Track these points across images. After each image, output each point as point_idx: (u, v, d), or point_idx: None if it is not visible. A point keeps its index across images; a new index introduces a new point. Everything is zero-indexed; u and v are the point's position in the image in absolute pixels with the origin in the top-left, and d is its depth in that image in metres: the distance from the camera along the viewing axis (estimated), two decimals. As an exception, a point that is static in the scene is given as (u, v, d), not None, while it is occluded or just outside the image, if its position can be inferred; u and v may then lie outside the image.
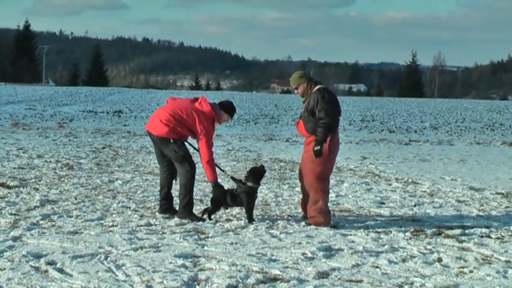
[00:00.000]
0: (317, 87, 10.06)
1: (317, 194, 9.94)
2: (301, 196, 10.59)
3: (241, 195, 10.05)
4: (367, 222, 10.31)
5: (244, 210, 10.14)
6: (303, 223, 9.98)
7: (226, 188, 10.29)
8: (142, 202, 11.38)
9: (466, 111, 52.92)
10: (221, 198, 10.13)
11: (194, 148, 10.25)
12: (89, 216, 10.00)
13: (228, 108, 10.34)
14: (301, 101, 10.33)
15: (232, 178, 10.58)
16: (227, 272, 7.29)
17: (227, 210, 10.42)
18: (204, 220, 9.94)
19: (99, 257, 7.66)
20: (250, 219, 9.96)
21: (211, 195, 10.40)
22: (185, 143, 10.20)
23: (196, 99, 10.21)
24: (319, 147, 9.79)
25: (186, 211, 10.04)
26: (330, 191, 12.01)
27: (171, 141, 9.99)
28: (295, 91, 10.36)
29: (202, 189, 12.55)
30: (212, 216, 10.09)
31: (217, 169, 10.22)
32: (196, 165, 10.28)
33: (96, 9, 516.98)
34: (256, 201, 10.31)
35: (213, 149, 10.09)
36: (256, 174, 10.22)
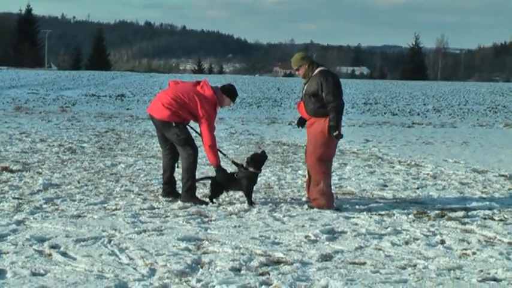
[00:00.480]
0: (319, 69, 10.01)
1: (318, 175, 9.93)
2: (306, 178, 10.58)
3: (242, 180, 10.06)
4: (370, 204, 10.31)
5: (244, 194, 10.16)
6: (305, 206, 9.98)
7: (229, 172, 10.30)
8: (145, 186, 11.38)
9: (469, 94, 52.85)
10: (225, 182, 10.14)
11: (196, 132, 10.24)
12: (92, 199, 10.01)
13: (230, 92, 10.32)
14: (303, 83, 10.31)
15: (234, 162, 10.59)
16: (230, 254, 7.30)
17: (230, 194, 10.41)
18: (207, 203, 9.95)
19: (102, 241, 7.66)
20: (251, 202, 9.98)
21: (210, 180, 10.40)
22: (187, 126, 10.19)
23: (198, 82, 10.20)
24: (336, 132, 9.76)
25: (189, 194, 10.04)
26: (333, 174, 12.03)
27: (173, 124, 9.98)
28: (296, 72, 10.29)
29: (205, 173, 12.54)
30: (215, 200, 10.11)
31: (219, 153, 10.23)
32: (199, 149, 10.28)
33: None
34: (258, 185, 10.32)
35: (215, 133, 10.09)
36: (258, 160, 10.23)
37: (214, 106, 10.07)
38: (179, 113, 9.98)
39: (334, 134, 9.78)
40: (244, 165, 10.20)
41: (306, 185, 10.57)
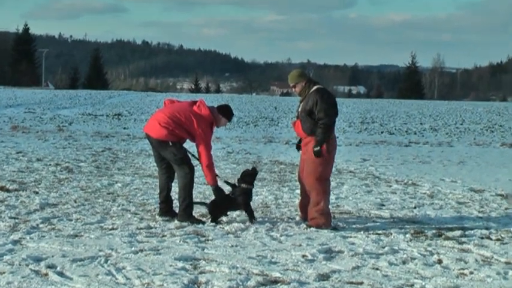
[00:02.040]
0: (315, 87, 10.04)
1: (319, 196, 9.93)
2: (300, 198, 10.59)
3: (238, 198, 10.09)
4: (367, 224, 10.31)
5: (244, 212, 10.18)
6: (303, 225, 9.98)
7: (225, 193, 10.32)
8: (142, 205, 11.37)
9: (465, 113, 52.91)
10: (223, 202, 10.16)
11: (195, 157, 10.19)
12: (88, 219, 10.00)
13: (226, 111, 10.34)
14: (299, 101, 10.32)
15: (226, 182, 10.61)
16: (227, 274, 7.29)
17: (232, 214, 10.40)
18: (204, 223, 9.94)
19: (99, 260, 7.65)
20: (252, 218, 10.05)
21: (208, 202, 10.42)
22: (187, 153, 10.19)
23: (194, 102, 10.22)
24: (319, 147, 9.80)
25: (186, 214, 10.04)
26: (330, 193, 12.02)
27: (170, 144, 10.00)
28: (293, 89, 10.33)
29: (202, 192, 12.55)
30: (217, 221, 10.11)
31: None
32: (196, 168, 10.28)
33: (95, 12, 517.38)
34: (255, 204, 10.33)
35: (212, 152, 10.10)
36: (249, 175, 10.27)
37: (210, 125, 10.10)
38: (176, 132, 9.99)
39: (316, 149, 9.79)
40: (237, 184, 10.24)
41: (299, 205, 10.58)
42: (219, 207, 10.19)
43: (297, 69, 10.51)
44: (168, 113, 10.10)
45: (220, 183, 10.38)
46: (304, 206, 10.28)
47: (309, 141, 10.01)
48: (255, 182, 10.50)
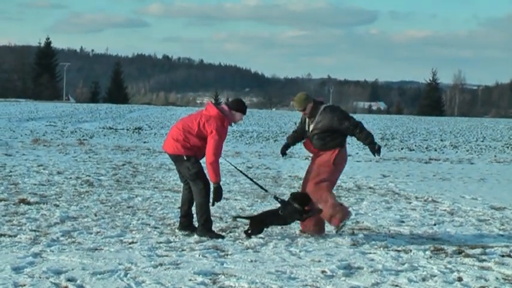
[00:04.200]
0: (323, 106, 10.47)
1: (323, 194, 10.24)
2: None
3: (288, 216, 10.23)
4: (386, 240, 10.27)
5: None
6: (321, 240, 9.99)
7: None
8: (162, 219, 11.40)
9: (486, 130, 52.71)
10: (268, 219, 10.25)
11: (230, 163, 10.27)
12: (108, 232, 10.03)
13: (238, 106, 10.32)
14: (304, 121, 10.70)
15: (276, 198, 10.68)
16: (246, 289, 7.28)
17: (247, 227, 10.39)
18: (223, 237, 9.95)
19: (118, 274, 7.67)
20: None
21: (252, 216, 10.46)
22: (202, 168, 10.15)
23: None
24: (376, 143, 10.30)
25: (205, 228, 10.05)
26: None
27: (185, 158, 10.02)
28: (302, 113, 10.61)
29: (222, 207, 12.56)
30: (231, 234, 10.10)
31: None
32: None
33: (117, 26, 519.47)
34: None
35: (221, 151, 10.03)
36: (302, 198, 10.35)
37: (222, 123, 10.03)
38: (189, 143, 9.98)
39: (376, 146, 10.26)
40: (289, 201, 10.31)
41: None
42: (263, 221, 10.19)
43: (301, 93, 10.76)
44: (179, 126, 10.17)
45: (270, 197, 10.49)
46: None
47: (319, 155, 10.44)
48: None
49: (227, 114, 10.13)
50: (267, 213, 10.40)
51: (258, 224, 10.15)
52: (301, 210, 10.20)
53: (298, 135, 10.96)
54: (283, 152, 11.16)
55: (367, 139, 10.29)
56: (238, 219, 10.58)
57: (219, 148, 9.99)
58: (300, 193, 10.54)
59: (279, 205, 10.34)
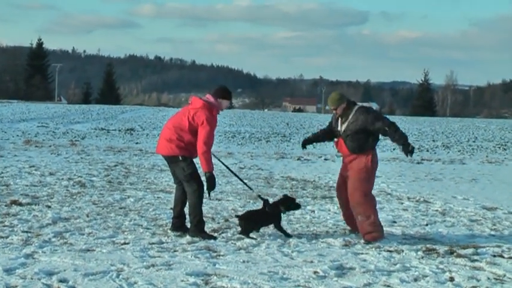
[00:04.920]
0: (356, 106, 10.48)
1: (369, 210, 10.23)
2: (342, 211, 10.95)
3: (274, 216, 10.36)
4: (379, 241, 10.28)
5: (277, 228, 10.41)
6: (313, 240, 10.01)
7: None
8: (154, 220, 11.39)
9: (478, 130, 52.81)
10: (257, 216, 10.35)
11: (219, 160, 10.26)
12: (100, 233, 10.02)
13: (222, 93, 10.30)
14: (333, 120, 10.72)
15: (259, 196, 10.80)
16: (239, 290, 7.29)
17: (239, 228, 10.39)
18: (215, 238, 9.95)
19: (110, 275, 7.67)
20: (287, 233, 10.38)
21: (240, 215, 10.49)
22: (197, 169, 10.17)
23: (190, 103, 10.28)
24: (410, 144, 10.47)
25: (198, 229, 10.05)
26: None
27: (180, 158, 10.02)
28: (334, 111, 10.64)
29: (214, 207, 12.56)
30: (224, 235, 10.12)
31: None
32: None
33: (108, 27, 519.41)
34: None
35: (212, 141, 10.03)
36: (288, 200, 10.58)
37: (210, 112, 10.04)
38: (183, 142, 9.98)
39: (410, 148, 10.42)
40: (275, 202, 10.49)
41: (343, 218, 10.92)
42: (253, 221, 10.22)
43: (335, 93, 10.82)
44: (169, 125, 10.18)
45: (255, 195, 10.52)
46: (349, 217, 10.65)
47: (353, 159, 10.41)
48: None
49: (214, 104, 10.13)
50: (255, 213, 10.47)
51: (247, 223, 10.19)
52: (283, 213, 10.45)
53: (324, 134, 10.98)
54: (304, 146, 11.16)
55: (401, 139, 10.35)
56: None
57: (211, 138, 9.99)
58: (289, 197, 10.71)
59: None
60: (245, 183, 10.96)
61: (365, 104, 10.87)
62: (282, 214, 10.46)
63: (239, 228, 10.30)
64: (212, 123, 10.02)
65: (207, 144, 9.91)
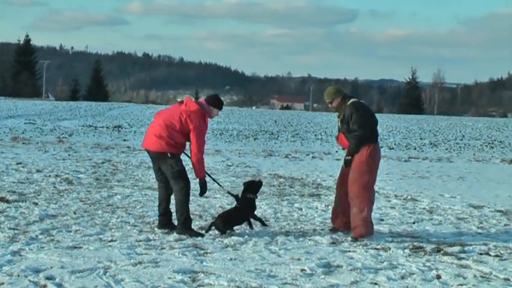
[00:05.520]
0: (350, 101, 10.42)
1: (363, 203, 10.23)
2: (333, 205, 10.89)
3: (246, 208, 10.32)
4: (366, 239, 10.30)
5: (248, 224, 10.39)
6: (300, 238, 10.01)
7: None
8: (142, 217, 11.38)
9: (465, 129, 52.98)
10: (231, 215, 10.32)
11: (188, 156, 10.24)
12: (88, 231, 10.00)
13: (215, 102, 10.38)
14: (336, 116, 10.70)
15: (229, 193, 10.73)
16: (226, 287, 7.28)
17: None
18: (203, 235, 9.95)
19: (98, 272, 7.65)
20: (263, 222, 10.50)
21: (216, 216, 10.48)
22: (184, 167, 10.18)
23: (181, 102, 10.27)
24: (350, 157, 10.28)
25: (185, 227, 10.04)
26: (328, 207, 12.09)
27: (169, 155, 10.02)
28: (330, 105, 10.67)
29: (201, 205, 12.56)
30: (211, 232, 10.12)
31: (215, 183, 10.34)
32: (193, 182, 10.27)
33: (96, 24, 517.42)
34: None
35: (204, 148, 10.12)
36: (254, 187, 10.54)
37: (203, 118, 10.12)
38: (173, 140, 10.00)
39: (347, 158, 10.31)
40: (240, 195, 10.38)
41: (331, 213, 10.88)
42: (228, 220, 10.23)
43: (332, 86, 10.94)
44: (160, 122, 10.16)
45: (226, 191, 10.49)
46: (336, 214, 10.65)
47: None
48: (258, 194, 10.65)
49: (206, 110, 10.17)
50: (228, 212, 10.47)
51: (224, 223, 10.19)
52: (255, 198, 10.42)
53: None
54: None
55: (351, 148, 10.26)
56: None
57: (203, 144, 10.08)
58: (250, 182, 10.69)
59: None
60: (214, 180, 10.85)
61: (361, 101, 10.72)
62: (254, 201, 10.44)
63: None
64: (203, 129, 10.13)
65: (200, 151, 10.00)
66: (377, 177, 10.67)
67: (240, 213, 10.36)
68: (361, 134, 10.17)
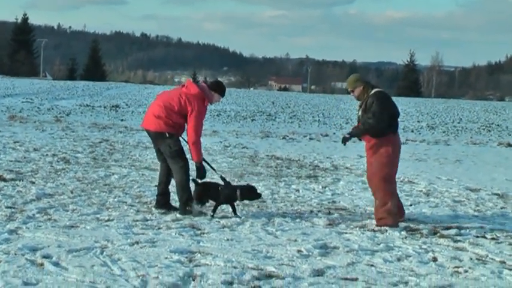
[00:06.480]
0: (374, 90, 10.17)
1: (386, 196, 10.06)
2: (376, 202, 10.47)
3: (222, 195, 10.18)
4: (363, 220, 10.32)
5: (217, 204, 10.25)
6: (297, 219, 10.04)
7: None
8: (139, 197, 11.38)
9: (463, 112, 52.96)
10: (209, 190, 10.22)
11: (185, 141, 10.23)
12: (85, 210, 10.00)
13: (217, 87, 10.38)
14: (358, 105, 10.46)
15: (222, 178, 10.54)
16: (222, 268, 7.29)
17: (223, 207, 10.38)
18: (205, 214, 9.93)
19: (94, 251, 7.66)
20: (235, 212, 10.24)
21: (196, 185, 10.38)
22: (182, 147, 10.18)
23: (183, 85, 10.27)
24: (349, 136, 10.25)
25: (187, 207, 10.05)
26: (326, 189, 12.11)
27: (167, 135, 10.03)
28: (351, 93, 10.43)
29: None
30: (208, 213, 10.10)
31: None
32: (192, 166, 10.27)
33: (94, 3, 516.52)
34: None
35: (201, 131, 10.12)
36: (250, 192, 10.36)
37: (202, 102, 10.09)
38: (171, 120, 10.00)
39: (346, 135, 10.31)
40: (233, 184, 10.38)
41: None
42: (205, 193, 10.17)
43: (354, 75, 10.70)
44: (160, 102, 10.16)
45: (217, 175, 10.43)
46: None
47: (374, 143, 10.14)
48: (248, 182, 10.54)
49: (207, 94, 10.14)
50: (210, 184, 10.37)
51: (200, 194, 10.14)
52: (236, 200, 10.26)
53: None
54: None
55: (356, 130, 10.19)
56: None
57: (200, 127, 10.07)
58: (253, 189, 10.44)
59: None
60: (208, 163, 10.73)
61: (381, 90, 10.43)
62: (235, 199, 10.23)
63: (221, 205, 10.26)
64: (202, 113, 10.11)
65: (197, 135, 10.00)
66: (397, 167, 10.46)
67: (216, 194, 10.18)
68: (373, 124, 9.94)
